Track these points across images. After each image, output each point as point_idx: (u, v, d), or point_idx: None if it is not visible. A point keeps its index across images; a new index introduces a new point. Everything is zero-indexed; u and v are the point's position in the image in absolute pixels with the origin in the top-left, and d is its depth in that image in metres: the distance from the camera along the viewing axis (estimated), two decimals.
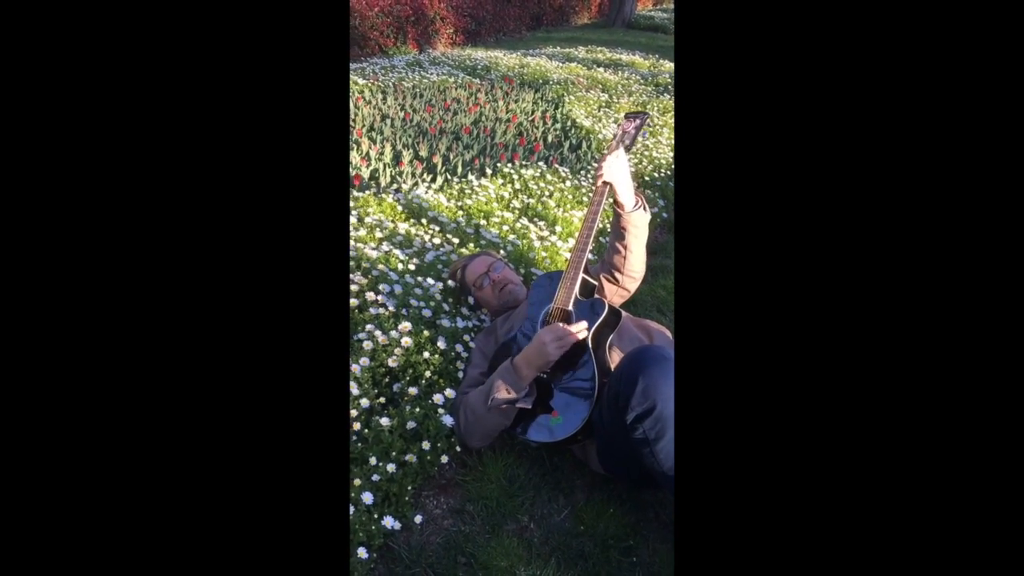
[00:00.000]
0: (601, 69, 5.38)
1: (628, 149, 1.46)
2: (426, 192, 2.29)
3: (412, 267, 1.72)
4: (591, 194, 1.43)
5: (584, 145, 3.14)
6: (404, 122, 3.34)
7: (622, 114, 3.84)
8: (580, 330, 1.23)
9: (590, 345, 1.24)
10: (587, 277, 1.36)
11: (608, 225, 1.80)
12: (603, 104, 4.13)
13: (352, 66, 5.23)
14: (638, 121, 1.51)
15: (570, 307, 1.29)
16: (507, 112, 3.65)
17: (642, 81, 5.10)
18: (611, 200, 1.43)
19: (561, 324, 1.25)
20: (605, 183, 1.40)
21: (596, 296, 1.37)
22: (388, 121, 3.33)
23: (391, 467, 1.16)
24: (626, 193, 1.41)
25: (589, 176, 2.74)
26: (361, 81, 4.33)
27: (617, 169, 1.40)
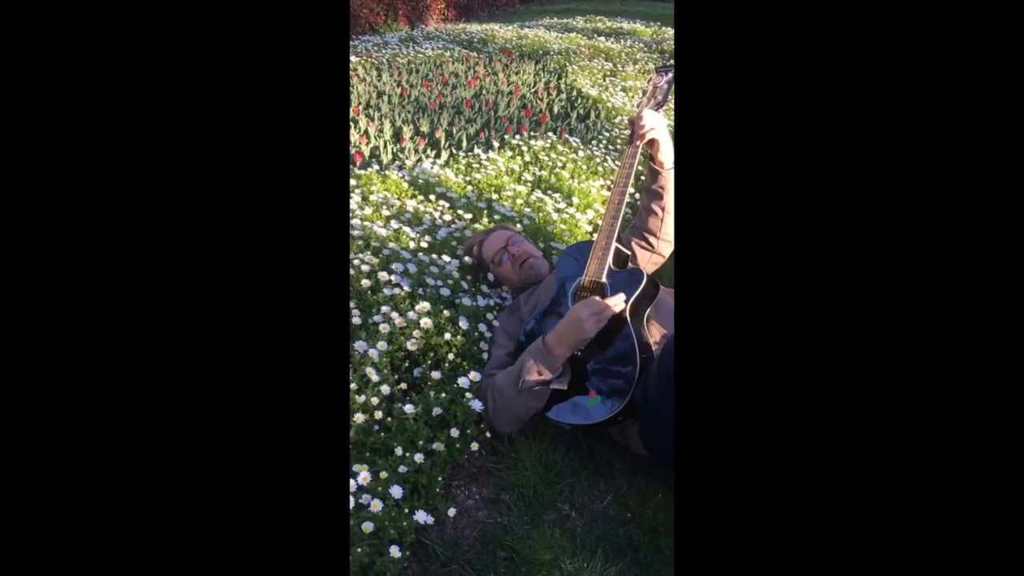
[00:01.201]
0: (602, 38, 5.20)
1: (661, 106, 1.35)
2: (432, 167, 2.17)
3: (424, 244, 1.62)
4: (621, 157, 1.32)
5: (592, 114, 3.01)
6: (402, 98, 3.20)
7: (629, 82, 3.70)
8: (618, 303, 1.13)
9: (628, 319, 1.14)
10: (620, 246, 1.26)
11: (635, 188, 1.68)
12: (608, 73, 3.98)
13: None
14: (669, 75, 1.40)
15: (603, 279, 1.19)
16: (508, 84, 3.50)
17: (646, 49, 4.93)
18: (642, 161, 1.32)
19: (597, 298, 1.15)
20: (639, 142, 1.29)
21: (631, 266, 1.26)
22: (385, 98, 3.19)
23: (419, 457, 1.07)
24: (668, 151, 1.30)
25: (601, 146, 2.62)
26: (354, 59, 4.17)
27: (659, 126, 1.29)
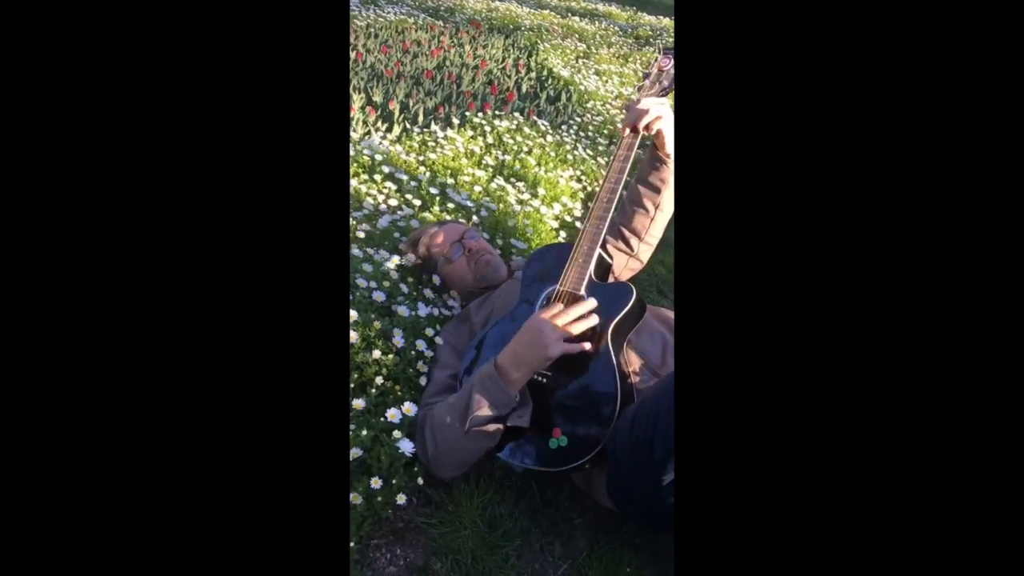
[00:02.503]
0: (576, 18, 4.95)
1: (666, 92, 1.14)
2: (380, 142, 1.89)
3: (361, 234, 1.36)
4: (616, 146, 1.10)
5: (563, 96, 2.77)
6: (355, 63, 2.87)
7: (603, 66, 3.48)
8: (588, 310, 0.92)
9: (610, 342, 0.92)
10: (603, 253, 1.04)
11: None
12: (581, 55, 3.75)
13: None
14: (673, 59, 1.18)
15: (582, 291, 0.97)
16: (475, 58, 3.22)
17: (621, 33, 4.71)
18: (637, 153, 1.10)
19: (560, 304, 0.93)
20: (642, 131, 1.08)
21: (617, 278, 1.05)
22: None
23: None
24: (671, 142, 1.09)
25: (572, 131, 2.39)
26: None
27: (666, 114, 1.07)
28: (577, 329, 0.91)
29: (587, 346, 0.91)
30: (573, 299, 0.96)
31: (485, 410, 0.89)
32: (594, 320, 0.93)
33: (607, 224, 1.02)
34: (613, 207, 1.04)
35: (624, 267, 1.21)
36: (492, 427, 0.90)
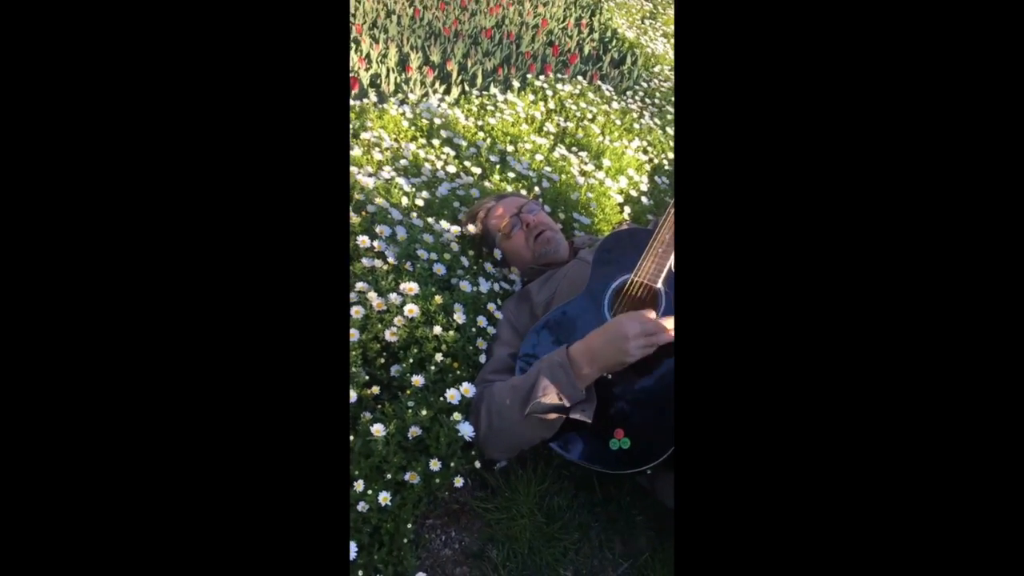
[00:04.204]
0: None
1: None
2: (439, 105, 1.82)
3: (420, 203, 1.31)
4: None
5: (629, 60, 2.61)
6: (413, 20, 2.78)
7: (671, 28, 3.26)
8: (671, 326, 0.85)
9: None
10: None
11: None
12: (647, 15, 3.52)
13: None
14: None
15: (659, 284, 0.90)
16: (535, 16, 3.07)
17: None
18: None
19: (651, 313, 0.86)
20: None
21: None
22: (394, 17, 2.78)
23: (383, 495, 0.81)
24: None
25: (638, 98, 2.25)
26: None
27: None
28: (663, 341, 0.84)
29: (662, 350, 0.85)
30: (649, 293, 0.89)
31: (550, 397, 0.85)
32: (671, 329, 0.86)
33: None
34: None
35: None
36: (553, 416, 0.86)
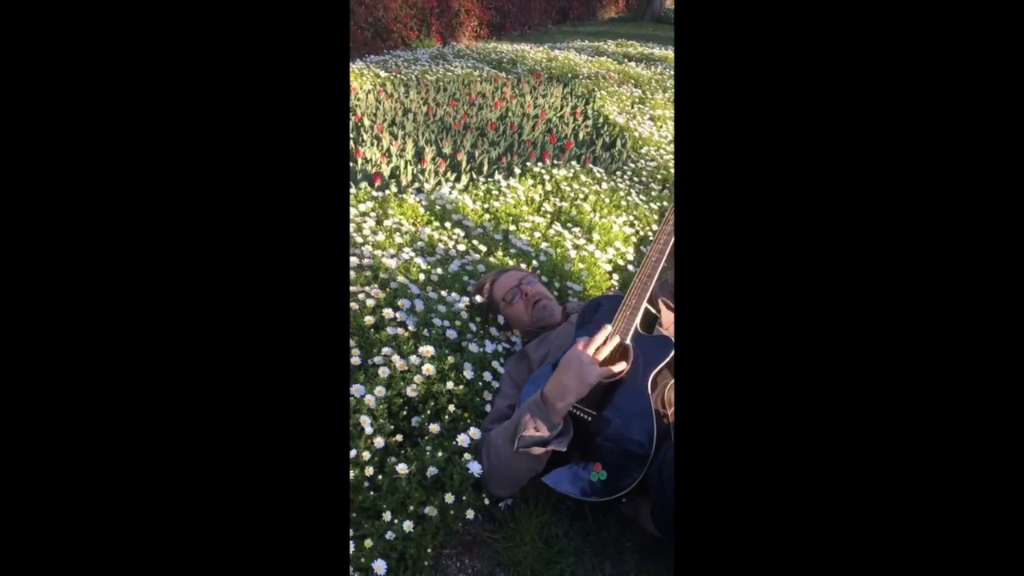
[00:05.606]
0: (633, 64, 5.14)
1: None
2: (450, 192, 2.10)
3: (435, 278, 1.54)
4: (660, 222, 1.23)
5: (618, 143, 2.92)
6: (427, 117, 3.16)
7: (658, 111, 3.62)
8: (606, 335, 1.05)
9: (649, 391, 1.04)
10: (651, 308, 1.17)
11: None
12: (636, 100, 3.90)
13: (374, 59, 5.09)
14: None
15: (628, 341, 1.10)
16: (535, 107, 3.45)
17: None
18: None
19: (587, 337, 1.06)
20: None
21: (662, 332, 1.17)
22: (410, 115, 3.16)
23: (408, 524, 0.98)
24: None
25: (626, 178, 2.53)
26: (383, 74, 4.16)
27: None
28: (604, 352, 1.04)
29: (621, 369, 1.04)
30: (622, 348, 1.09)
31: (531, 431, 1.02)
32: (616, 340, 1.05)
33: (653, 282, 1.14)
34: (659, 268, 1.16)
35: (671, 324, 1.32)
36: (537, 450, 1.03)
